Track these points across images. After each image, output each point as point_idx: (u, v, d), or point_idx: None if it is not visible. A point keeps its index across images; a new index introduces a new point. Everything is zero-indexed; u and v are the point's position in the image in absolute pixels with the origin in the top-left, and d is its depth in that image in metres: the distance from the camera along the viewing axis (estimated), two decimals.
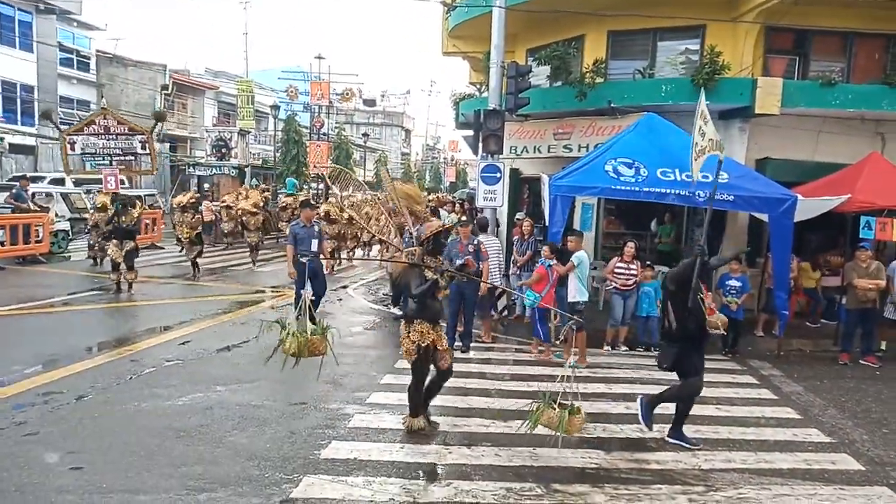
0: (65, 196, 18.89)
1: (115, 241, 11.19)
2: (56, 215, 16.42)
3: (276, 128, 33.39)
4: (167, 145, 34.50)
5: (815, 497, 4.57)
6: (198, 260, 13.58)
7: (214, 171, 32.48)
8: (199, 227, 14.15)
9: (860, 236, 9.01)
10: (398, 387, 6.61)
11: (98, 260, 14.39)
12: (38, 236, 14.38)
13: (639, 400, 5.61)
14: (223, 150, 33.43)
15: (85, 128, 13.84)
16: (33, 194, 16.22)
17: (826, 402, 6.95)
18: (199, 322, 9.23)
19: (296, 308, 7.67)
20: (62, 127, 15.49)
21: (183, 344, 7.97)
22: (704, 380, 5.51)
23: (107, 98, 32.46)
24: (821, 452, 5.46)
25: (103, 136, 13.69)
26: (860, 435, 5.94)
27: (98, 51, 33.65)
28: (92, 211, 14.81)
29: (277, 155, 35.03)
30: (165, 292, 11.82)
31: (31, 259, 14.24)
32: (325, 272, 13.74)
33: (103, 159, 13.76)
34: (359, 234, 15.67)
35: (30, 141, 27.36)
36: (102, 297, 10.84)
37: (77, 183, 20.66)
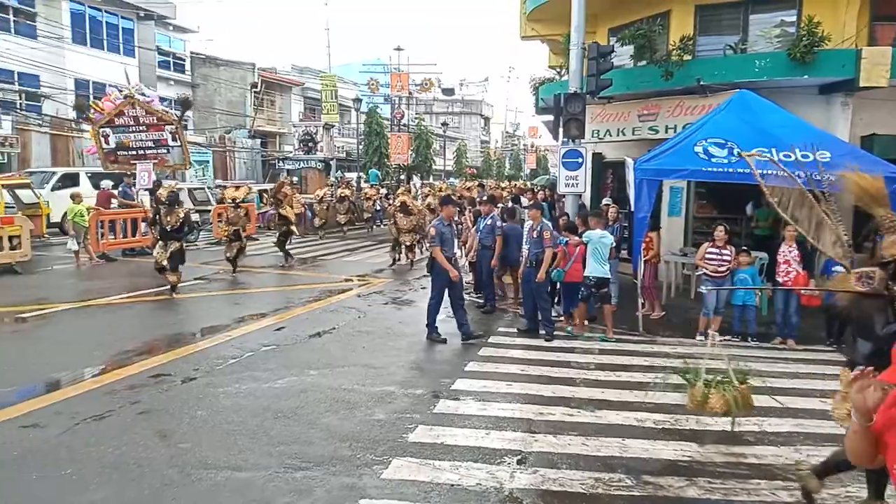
0: (189, 191, 20.34)
1: (160, 242, 10.58)
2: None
3: (359, 121, 34.16)
4: (258, 141, 36.07)
5: None
6: (237, 257, 12.78)
7: (302, 164, 33.64)
8: (239, 224, 12.90)
9: None
10: (482, 374, 6.68)
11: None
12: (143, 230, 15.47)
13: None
14: (310, 144, 34.53)
15: (115, 118, 12.78)
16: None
17: None
18: (292, 309, 9.64)
19: (433, 317, 8.05)
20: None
21: (278, 330, 8.37)
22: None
23: (199, 96, 34.37)
24: None
25: (133, 128, 12.61)
26: None
27: (192, 52, 35.54)
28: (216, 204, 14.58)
29: (360, 147, 35.88)
30: (261, 281, 12.41)
31: (138, 251, 15.30)
32: (408, 263, 14.07)
33: (136, 153, 12.70)
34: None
35: None
36: (204, 287, 11.52)
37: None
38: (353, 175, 32.50)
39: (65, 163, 22.08)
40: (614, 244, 8.98)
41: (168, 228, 10.39)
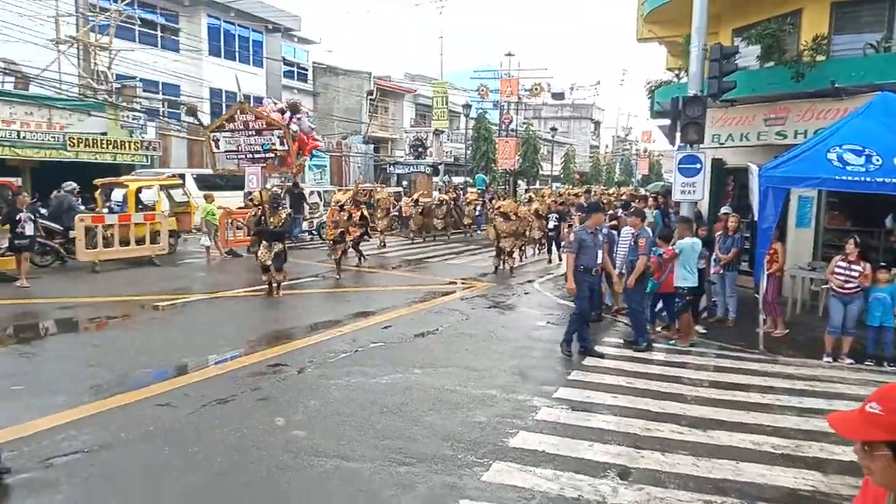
0: (319, 194, 21.69)
1: (264, 243, 10.73)
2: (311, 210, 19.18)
3: (468, 126, 34.54)
4: (371, 146, 37.42)
5: None
6: (341, 259, 12.90)
7: (412, 169, 34.53)
8: (344, 228, 12.97)
9: None
10: (586, 384, 6.54)
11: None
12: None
13: None
14: (419, 150, 35.36)
15: (226, 123, 13.21)
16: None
17: None
18: (398, 309, 9.93)
19: (572, 329, 7.62)
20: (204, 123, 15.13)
21: (385, 328, 8.64)
22: None
23: (320, 104, 36.20)
24: None
25: (243, 133, 12.94)
26: None
27: (314, 62, 37.47)
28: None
29: (468, 152, 36.25)
30: (370, 281, 12.88)
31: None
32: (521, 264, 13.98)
33: (245, 157, 13.09)
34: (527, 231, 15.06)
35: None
36: (318, 283, 12.13)
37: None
38: (460, 179, 32.91)
39: (199, 165, 24.05)
40: (707, 253, 8.94)
41: (272, 229, 10.58)
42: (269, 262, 10.51)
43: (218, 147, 13.19)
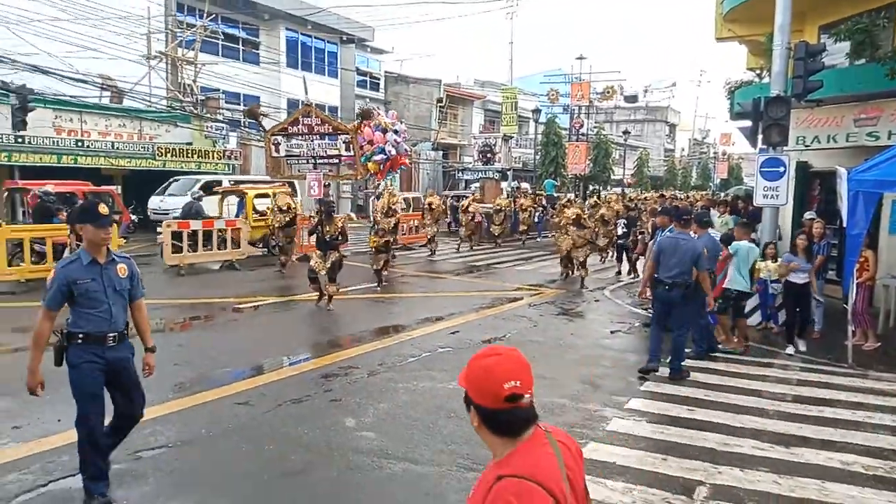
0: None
1: (318, 252, 10.24)
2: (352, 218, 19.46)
3: (537, 131, 34.27)
4: (440, 153, 37.77)
5: None
6: (383, 270, 12.28)
7: (480, 175, 34.54)
8: (388, 236, 12.47)
9: None
10: (659, 395, 6.35)
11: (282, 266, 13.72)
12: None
13: None
14: (488, 155, 35.38)
15: (289, 127, 12.68)
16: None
17: None
18: (465, 315, 9.96)
19: (652, 355, 6.92)
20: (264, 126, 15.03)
21: (453, 333, 8.69)
22: None
23: (391, 112, 36.87)
24: None
25: (307, 137, 12.38)
26: None
27: (386, 72, 38.24)
28: (274, 212, 13.89)
29: (537, 157, 35.96)
30: (440, 286, 12.98)
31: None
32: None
33: (307, 162, 12.42)
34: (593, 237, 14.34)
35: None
36: (389, 288, 12.31)
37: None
38: (526, 185, 32.63)
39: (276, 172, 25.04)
40: (759, 257, 8.48)
41: (327, 238, 10.04)
42: (322, 272, 10.02)
43: (278, 151, 12.76)
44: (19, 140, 17.52)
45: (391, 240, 12.72)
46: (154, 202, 19.68)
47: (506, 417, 1.67)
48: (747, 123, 11.05)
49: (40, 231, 11.70)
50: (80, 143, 19.38)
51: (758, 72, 16.16)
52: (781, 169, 9.55)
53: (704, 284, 7.02)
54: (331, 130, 12.50)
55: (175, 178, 20.31)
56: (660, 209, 10.58)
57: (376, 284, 12.12)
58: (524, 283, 13.20)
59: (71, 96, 20.23)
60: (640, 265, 13.03)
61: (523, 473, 1.58)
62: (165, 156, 20.73)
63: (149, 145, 20.97)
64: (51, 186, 13.45)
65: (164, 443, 4.85)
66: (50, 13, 20.12)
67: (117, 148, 20.24)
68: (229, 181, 19.59)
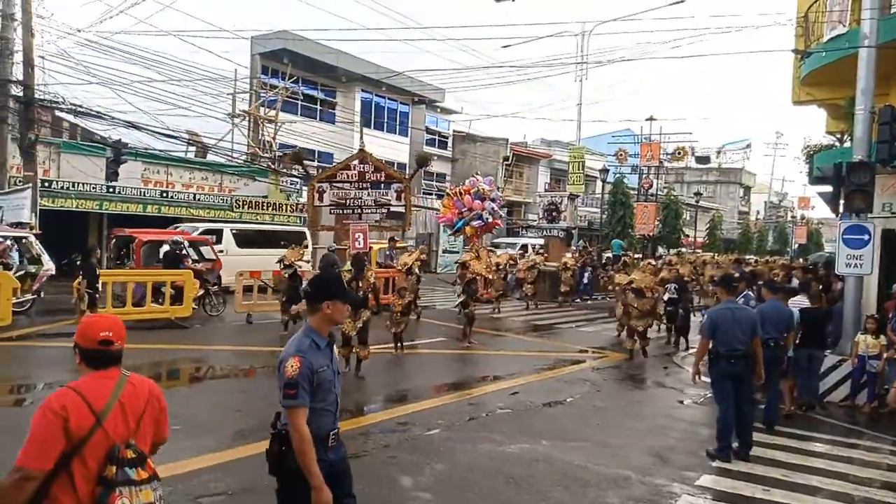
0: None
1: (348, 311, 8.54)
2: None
3: (604, 190, 34.06)
4: (505, 209, 37.99)
5: None
6: (402, 333, 10.93)
7: (545, 233, 34.45)
8: (411, 298, 11.33)
9: None
10: (733, 473, 5.96)
11: (287, 325, 12.64)
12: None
13: None
14: (553, 214, 35.32)
15: (338, 173, 11.75)
16: None
17: None
18: (526, 375, 9.75)
19: (724, 439, 6.27)
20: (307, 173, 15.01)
21: (513, 394, 8.50)
22: None
23: (458, 170, 37.62)
24: None
25: (356, 184, 11.46)
26: None
27: (455, 131, 39.24)
28: (281, 268, 13.01)
29: (604, 217, 35.60)
30: (499, 344, 12.80)
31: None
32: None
33: (353, 211, 11.44)
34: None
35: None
36: (445, 345, 12.25)
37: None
38: (581, 244, 32.14)
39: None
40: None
41: (359, 295, 8.70)
42: (352, 334, 8.87)
43: (321, 200, 11.58)
44: (111, 190, 18.84)
45: (412, 300, 11.64)
46: None
47: (95, 355, 2.43)
48: (828, 188, 10.63)
49: (167, 276, 12.77)
50: (164, 194, 20.64)
51: (838, 136, 15.62)
52: (866, 237, 9.08)
53: (758, 353, 6.48)
54: (384, 178, 11.74)
55: (176, 224, 18.69)
56: (717, 279, 8.81)
57: (394, 349, 10.89)
58: (588, 345, 12.85)
59: (160, 150, 21.70)
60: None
61: (74, 386, 2.36)
62: (242, 208, 21.75)
63: (227, 198, 22.09)
64: (180, 237, 14.46)
65: (225, 489, 4.90)
66: (147, 74, 21.90)
67: (198, 199, 21.42)
68: (232, 230, 18.43)
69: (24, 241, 12.84)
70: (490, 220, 17.36)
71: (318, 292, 3.13)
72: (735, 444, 6.38)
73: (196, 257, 14.73)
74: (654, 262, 15.08)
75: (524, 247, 27.90)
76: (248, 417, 6.83)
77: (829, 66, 11.90)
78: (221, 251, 16.83)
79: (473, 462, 5.81)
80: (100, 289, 11.51)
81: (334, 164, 27.18)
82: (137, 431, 2.42)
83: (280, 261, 13.00)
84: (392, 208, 11.87)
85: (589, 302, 21.81)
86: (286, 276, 12.76)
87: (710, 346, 6.48)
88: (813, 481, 5.83)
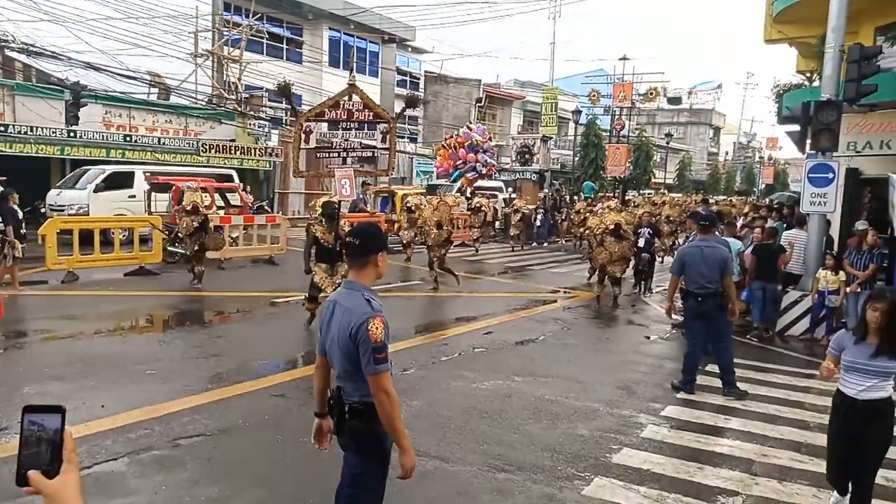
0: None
1: (322, 265, 8.41)
2: None
3: (577, 132, 33.96)
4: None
5: None
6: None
7: (518, 175, 34.38)
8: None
9: None
10: (697, 404, 6.23)
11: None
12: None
13: None
14: (526, 156, 35.19)
15: (327, 111, 10.76)
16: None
17: None
18: (499, 316, 9.93)
19: (689, 373, 6.45)
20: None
21: (486, 334, 8.68)
22: None
23: (430, 112, 37.02)
24: None
25: (343, 124, 10.59)
26: None
27: (426, 71, 38.37)
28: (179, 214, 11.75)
29: (576, 159, 35.62)
30: (472, 286, 12.96)
31: None
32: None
33: (337, 155, 10.48)
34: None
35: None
36: (422, 287, 12.36)
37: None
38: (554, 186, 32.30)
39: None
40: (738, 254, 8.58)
41: (332, 247, 8.24)
42: (330, 290, 7.94)
43: (307, 142, 10.60)
44: (72, 134, 18.16)
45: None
46: (51, 196, 16.33)
47: None
48: (796, 128, 10.77)
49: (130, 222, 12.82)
50: (128, 138, 19.98)
51: (808, 75, 15.72)
52: (830, 175, 9.27)
53: (730, 291, 6.53)
54: (371, 118, 10.83)
55: (86, 167, 17.20)
56: (688, 214, 9.85)
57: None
58: (559, 286, 13.08)
59: (121, 92, 20.87)
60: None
61: None
62: (209, 152, 21.20)
63: (194, 141, 21.49)
64: (193, 183, 13.35)
65: (203, 431, 4.97)
66: (103, 12, 20.82)
67: (163, 143, 20.80)
68: (145, 172, 16.25)
69: None
70: (483, 170, 18.37)
71: (370, 244, 2.82)
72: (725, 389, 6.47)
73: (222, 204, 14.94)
74: (612, 204, 15.38)
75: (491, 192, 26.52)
76: (225, 361, 6.87)
77: (802, 2, 11.85)
78: (132, 196, 16.04)
79: (448, 399, 5.96)
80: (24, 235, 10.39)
81: (304, 106, 26.49)
82: None
83: (178, 204, 11.34)
84: (377, 151, 11.02)
85: (545, 245, 21.24)
86: (194, 223, 11.06)
87: (682, 283, 6.64)
88: (771, 410, 6.14)
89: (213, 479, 4.25)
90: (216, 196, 14.98)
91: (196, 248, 11.18)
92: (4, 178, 13.73)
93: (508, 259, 17.51)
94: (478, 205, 18.16)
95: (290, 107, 11.76)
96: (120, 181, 16.35)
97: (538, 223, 21.37)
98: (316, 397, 3.03)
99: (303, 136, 10.65)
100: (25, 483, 0.76)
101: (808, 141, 9.53)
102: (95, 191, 15.80)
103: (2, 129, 16.65)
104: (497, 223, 21.34)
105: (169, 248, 12.80)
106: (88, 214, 14.76)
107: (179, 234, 11.40)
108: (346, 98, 10.77)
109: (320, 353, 2.96)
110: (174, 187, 14.00)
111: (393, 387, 2.69)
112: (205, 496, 4.00)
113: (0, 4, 25.98)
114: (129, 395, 5.66)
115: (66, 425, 1.03)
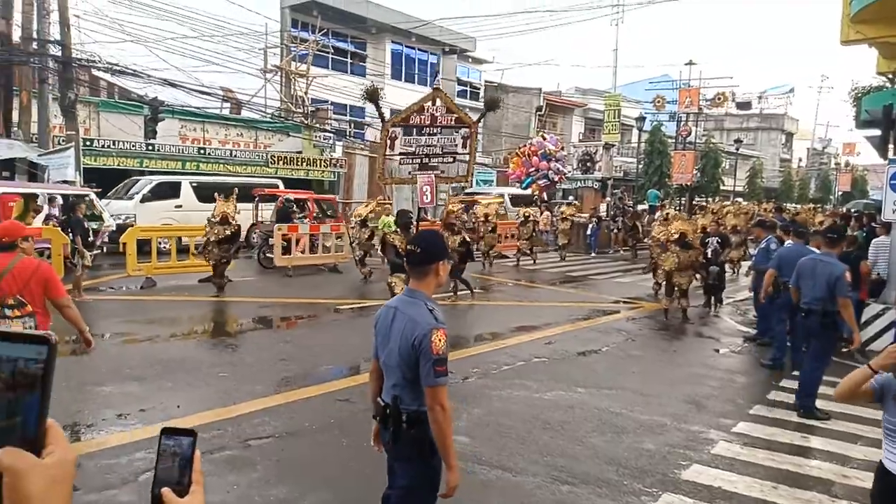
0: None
1: (398, 276, 9.04)
2: None
3: (640, 139, 33.27)
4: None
5: None
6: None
7: (579, 183, 33.99)
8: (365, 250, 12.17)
9: None
10: (771, 420, 5.98)
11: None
12: None
13: None
14: (588, 164, 34.72)
15: (412, 116, 10.68)
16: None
17: None
18: (561, 325, 9.81)
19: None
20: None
21: (548, 344, 8.59)
22: None
23: (490, 121, 37.06)
24: None
25: (426, 129, 10.52)
26: None
27: (486, 81, 38.51)
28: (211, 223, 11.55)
29: (640, 167, 34.87)
30: (534, 295, 12.88)
31: None
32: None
33: (421, 161, 10.49)
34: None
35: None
36: (484, 296, 12.36)
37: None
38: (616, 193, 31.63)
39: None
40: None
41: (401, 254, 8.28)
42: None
43: (392, 148, 10.51)
44: (150, 148, 19.16)
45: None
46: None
47: None
48: (876, 132, 10.22)
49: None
50: (201, 151, 20.91)
51: (890, 77, 14.88)
52: None
53: (846, 313, 6.00)
54: (453, 122, 10.68)
55: (135, 178, 17.60)
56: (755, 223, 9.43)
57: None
58: (622, 296, 12.81)
59: (196, 108, 21.89)
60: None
61: None
62: (278, 163, 21.93)
63: (263, 153, 22.28)
64: (291, 195, 15.60)
65: (272, 433, 5.13)
66: (180, 31, 21.89)
67: (235, 156, 21.67)
68: (192, 183, 17.27)
69: (86, 198, 13.03)
70: (556, 178, 18.70)
71: (431, 252, 2.77)
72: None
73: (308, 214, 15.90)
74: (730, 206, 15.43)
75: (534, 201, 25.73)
76: (293, 365, 7.07)
77: (882, 0, 11.25)
78: (179, 206, 16.50)
79: (510, 408, 5.94)
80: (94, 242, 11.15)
81: (364, 119, 26.90)
82: (25, 289, 3.97)
83: (210, 218, 11.52)
84: (457, 157, 10.80)
85: (593, 255, 20.66)
86: (227, 232, 11.28)
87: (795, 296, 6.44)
88: (850, 428, 5.82)
89: (282, 480, 4.38)
90: (314, 206, 16.54)
91: (222, 258, 11.34)
92: (99, 189, 14.61)
93: (567, 268, 17.29)
94: (525, 215, 17.77)
95: (377, 112, 11.41)
96: (167, 191, 16.74)
97: (589, 232, 21.02)
98: (373, 401, 3.05)
99: (388, 142, 10.50)
100: (159, 501, 0.85)
101: (891, 146, 9.01)
102: (142, 201, 16.20)
103: (88, 143, 17.72)
104: (545, 234, 20.75)
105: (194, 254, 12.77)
106: (136, 224, 14.84)
107: (209, 240, 11.35)
108: (429, 102, 10.69)
109: (375, 357, 2.99)
110: (279, 199, 15.29)
111: (448, 402, 2.66)
112: (274, 496, 4.13)
113: (88, 28, 27.78)
114: (203, 397, 5.92)
115: (147, 424, 1.10)
